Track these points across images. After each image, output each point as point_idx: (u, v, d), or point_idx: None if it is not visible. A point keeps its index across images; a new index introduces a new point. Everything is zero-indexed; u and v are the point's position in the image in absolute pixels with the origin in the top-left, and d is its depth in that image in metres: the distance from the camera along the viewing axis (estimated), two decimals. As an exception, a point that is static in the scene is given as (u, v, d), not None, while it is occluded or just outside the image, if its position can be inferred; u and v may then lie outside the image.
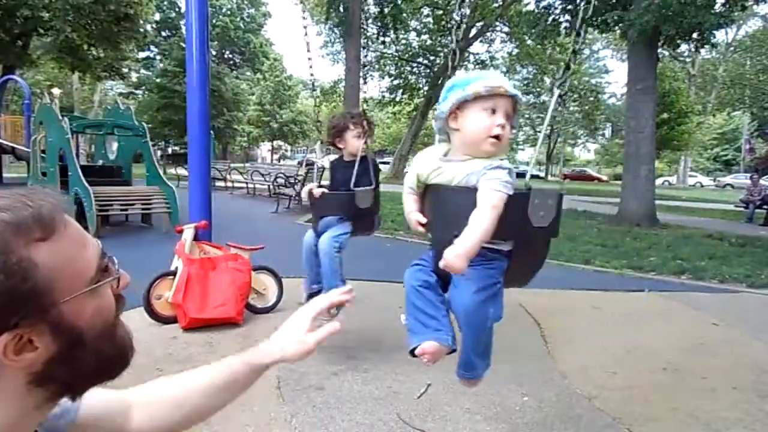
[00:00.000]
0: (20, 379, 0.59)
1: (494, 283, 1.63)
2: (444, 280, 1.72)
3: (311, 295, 3.45)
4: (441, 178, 1.64)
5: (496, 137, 1.57)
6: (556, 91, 1.84)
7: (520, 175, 1.65)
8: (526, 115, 47.72)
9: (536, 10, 13.66)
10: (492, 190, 1.50)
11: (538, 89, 42.36)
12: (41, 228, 0.58)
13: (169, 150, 39.51)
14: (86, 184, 7.84)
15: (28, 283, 0.55)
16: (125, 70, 28.69)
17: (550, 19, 13.06)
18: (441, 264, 1.44)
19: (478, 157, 1.59)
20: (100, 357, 0.64)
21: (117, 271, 0.67)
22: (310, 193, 3.50)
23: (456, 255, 1.41)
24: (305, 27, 4.30)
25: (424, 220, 1.72)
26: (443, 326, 1.72)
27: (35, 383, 0.60)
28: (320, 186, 3.61)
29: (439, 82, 29.55)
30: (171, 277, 4.08)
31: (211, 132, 4.77)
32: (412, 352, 1.79)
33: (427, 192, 1.71)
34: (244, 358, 1.00)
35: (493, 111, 1.58)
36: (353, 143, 3.42)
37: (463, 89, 1.58)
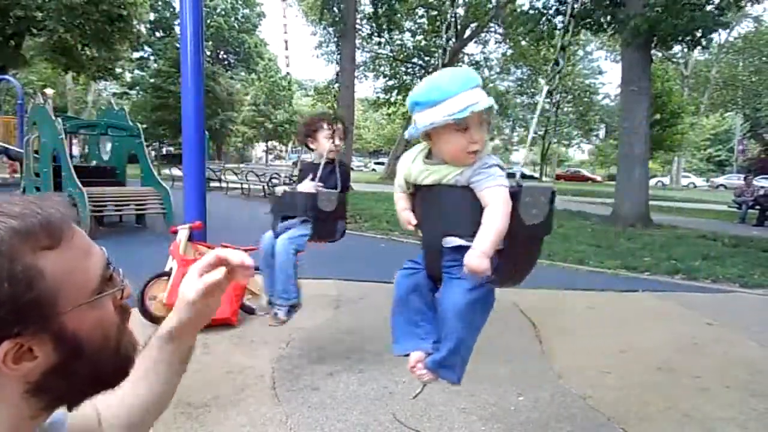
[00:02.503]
0: (17, 388, 0.59)
1: (485, 284, 1.62)
2: (436, 281, 1.72)
3: (270, 303, 3.38)
4: (430, 180, 1.63)
5: (474, 152, 1.57)
6: (545, 87, 1.86)
7: (510, 174, 1.66)
8: (521, 116, 47.82)
9: (530, 11, 13.69)
10: (498, 186, 1.53)
11: (533, 90, 42.46)
12: (49, 236, 0.57)
13: (164, 150, 39.35)
14: (80, 185, 7.80)
15: (32, 292, 0.55)
16: (119, 70, 28.63)
17: (544, 19, 13.10)
18: (465, 271, 1.47)
19: (461, 165, 1.60)
20: (100, 368, 0.63)
21: (122, 282, 0.67)
22: (273, 191, 3.40)
23: (476, 257, 1.44)
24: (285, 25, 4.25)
25: (415, 221, 1.72)
26: (428, 333, 1.73)
27: (32, 393, 0.60)
28: (288, 183, 3.42)
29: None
30: (165, 278, 4.06)
31: (206, 132, 4.76)
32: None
33: (418, 193, 1.71)
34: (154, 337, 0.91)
35: (466, 129, 1.55)
36: (324, 144, 3.30)
37: (429, 113, 1.55)
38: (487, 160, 1.59)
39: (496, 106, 1.61)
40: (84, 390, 0.65)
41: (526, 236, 1.65)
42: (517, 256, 1.68)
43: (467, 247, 1.53)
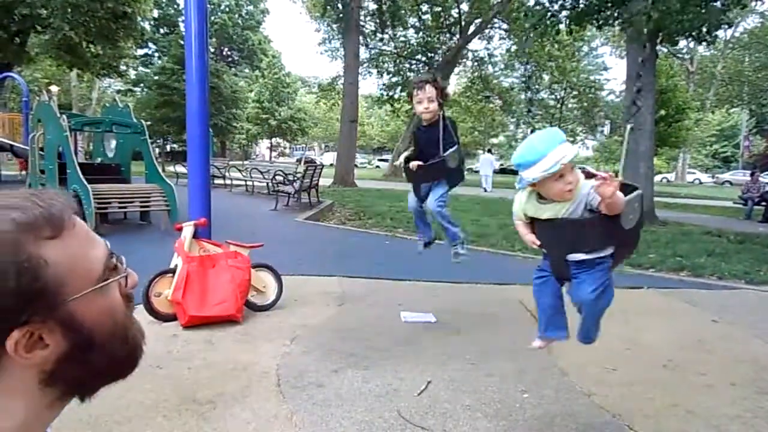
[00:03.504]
0: (32, 377, 0.60)
1: (605, 281, 2.22)
2: (560, 278, 2.35)
3: (426, 244, 4.26)
4: (547, 214, 2.20)
5: (570, 190, 2.12)
6: (628, 126, 2.52)
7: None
8: (525, 113, 47.65)
9: (536, 7, 13.60)
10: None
11: (537, 86, 42.31)
12: (51, 226, 0.59)
13: (168, 147, 39.43)
14: (85, 182, 7.83)
15: (39, 281, 0.56)
16: (123, 67, 28.56)
17: (549, 14, 13.01)
18: (596, 190, 2.03)
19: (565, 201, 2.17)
20: (111, 356, 0.65)
21: (125, 270, 0.68)
22: (408, 166, 3.79)
23: (612, 190, 1.97)
24: None
25: (538, 242, 2.29)
26: (560, 328, 2.47)
27: (46, 382, 0.61)
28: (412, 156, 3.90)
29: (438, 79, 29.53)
30: (170, 274, 4.07)
31: (210, 129, 4.76)
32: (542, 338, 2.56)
33: (536, 222, 2.28)
34: None
35: (561, 176, 2.09)
36: (416, 107, 3.69)
37: (530, 171, 2.10)
38: (586, 191, 2.13)
39: (577, 154, 2.13)
40: (96, 379, 0.66)
41: (628, 234, 2.22)
42: (623, 250, 2.33)
43: (587, 260, 2.19)
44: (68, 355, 0.61)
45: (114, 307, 0.65)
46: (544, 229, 2.24)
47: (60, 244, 0.59)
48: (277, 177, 13.15)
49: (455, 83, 39.30)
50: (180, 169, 16.26)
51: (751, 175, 16.30)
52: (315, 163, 16.37)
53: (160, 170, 9.41)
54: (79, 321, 0.60)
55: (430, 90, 3.61)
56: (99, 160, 10.95)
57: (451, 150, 3.66)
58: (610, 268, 2.26)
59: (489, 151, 26.90)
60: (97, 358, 0.63)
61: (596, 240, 2.19)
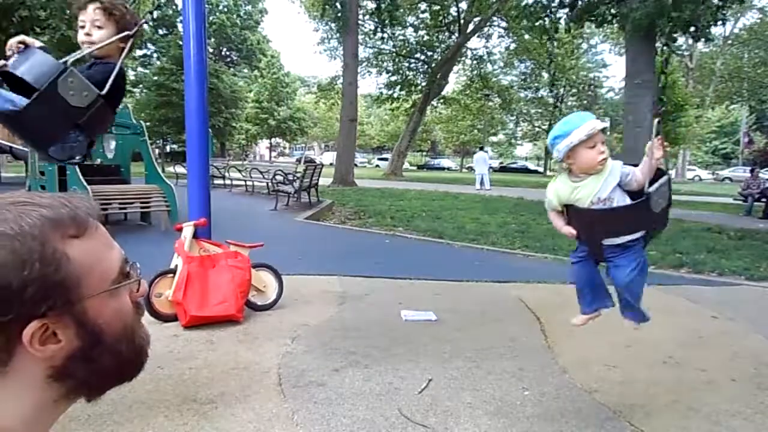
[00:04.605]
0: (41, 371, 0.63)
1: (639, 259, 2.46)
2: (598, 260, 2.60)
3: None
4: (581, 194, 2.39)
5: (602, 160, 2.34)
6: (655, 121, 2.59)
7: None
8: (524, 111, 47.66)
9: (534, 4, 13.60)
10: (634, 167, 2.44)
11: (536, 84, 42.31)
12: (76, 226, 0.63)
13: (168, 148, 39.40)
14: (84, 183, 7.83)
15: (59, 274, 0.60)
16: (122, 68, 28.55)
17: (547, 12, 13.00)
18: (657, 156, 2.36)
19: (596, 174, 2.37)
20: (118, 357, 0.68)
21: (138, 276, 0.72)
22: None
23: (657, 158, 2.36)
24: None
25: (575, 232, 2.47)
26: (604, 299, 2.69)
27: (55, 377, 0.64)
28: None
29: (437, 77, 29.57)
30: (171, 275, 4.08)
31: (209, 130, 4.77)
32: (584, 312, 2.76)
33: (570, 210, 2.46)
34: None
35: (593, 146, 2.33)
36: (79, 36, 2.50)
37: (567, 139, 2.32)
38: (617, 168, 2.40)
39: (608, 125, 2.38)
40: (102, 379, 0.69)
41: (658, 216, 2.45)
42: (654, 230, 2.59)
43: (621, 243, 2.43)
44: (78, 352, 0.63)
45: (124, 310, 0.68)
46: (580, 217, 2.43)
47: (82, 244, 0.63)
48: (276, 177, 13.15)
49: (454, 81, 39.31)
50: (180, 169, 16.25)
51: (751, 171, 16.35)
52: (315, 162, 16.37)
53: (159, 171, 9.41)
54: (92, 320, 0.64)
55: (95, 12, 2.43)
56: (98, 161, 10.93)
57: (91, 85, 2.33)
58: (643, 247, 2.50)
59: (482, 148, 26.61)
60: (105, 358, 0.66)
61: (629, 226, 2.42)
